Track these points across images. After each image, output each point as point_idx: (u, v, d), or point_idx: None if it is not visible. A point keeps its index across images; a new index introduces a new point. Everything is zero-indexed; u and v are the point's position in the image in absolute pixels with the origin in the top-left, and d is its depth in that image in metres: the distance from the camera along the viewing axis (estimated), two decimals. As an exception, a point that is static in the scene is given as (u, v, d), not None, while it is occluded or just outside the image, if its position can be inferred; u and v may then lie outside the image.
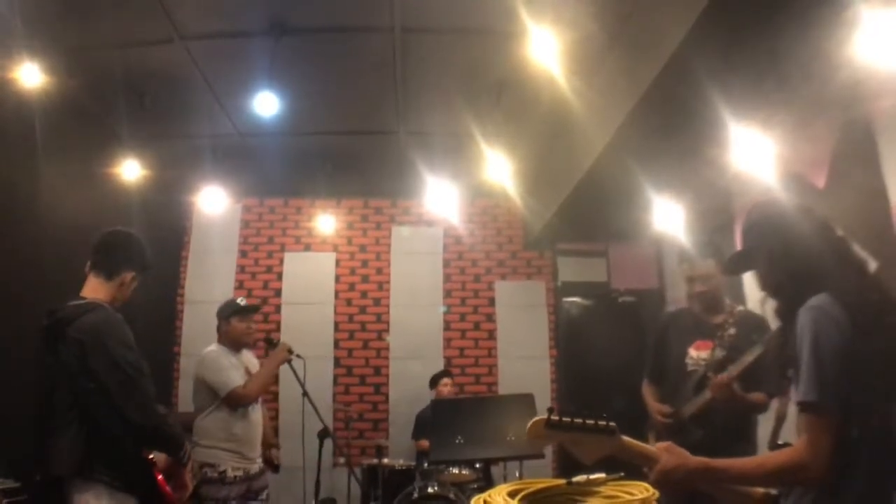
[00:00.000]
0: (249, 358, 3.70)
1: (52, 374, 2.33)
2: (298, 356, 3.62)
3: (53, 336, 2.32)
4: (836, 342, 1.44)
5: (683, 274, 3.13)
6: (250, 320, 3.66)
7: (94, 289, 2.45)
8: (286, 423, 5.77)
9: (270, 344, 3.73)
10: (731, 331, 2.84)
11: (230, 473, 3.36)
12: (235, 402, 3.40)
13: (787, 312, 1.63)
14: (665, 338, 3.19)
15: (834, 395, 1.41)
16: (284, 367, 3.62)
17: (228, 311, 3.61)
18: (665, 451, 1.49)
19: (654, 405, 3.07)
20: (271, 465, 3.79)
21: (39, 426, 2.32)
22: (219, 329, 3.65)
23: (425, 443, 5.39)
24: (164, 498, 2.38)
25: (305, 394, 3.59)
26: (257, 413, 3.59)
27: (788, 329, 1.58)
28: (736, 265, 1.87)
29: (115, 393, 2.23)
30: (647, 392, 3.20)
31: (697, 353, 2.98)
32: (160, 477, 2.39)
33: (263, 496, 3.56)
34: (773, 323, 1.78)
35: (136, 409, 2.25)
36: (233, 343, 3.58)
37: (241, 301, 3.69)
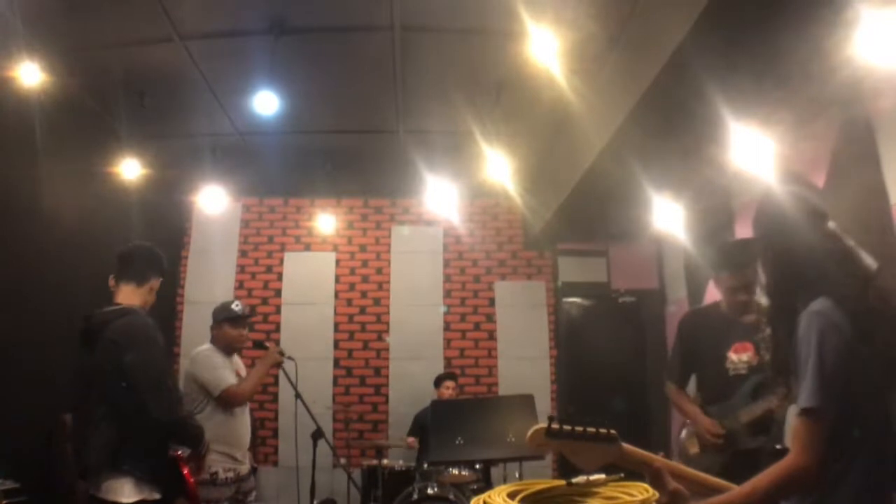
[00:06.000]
0: (239, 363, 3.69)
1: (86, 373, 2.52)
2: (290, 358, 3.65)
3: (89, 338, 2.52)
4: (839, 348, 1.44)
5: (725, 283, 2.93)
6: (242, 328, 3.65)
7: (127, 295, 2.69)
8: (285, 424, 5.78)
9: (259, 347, 3.73)
10: (768, 331, 2.81)
11: (221, 475, 3.35)
12: (229, 401, 3.40)
13: (780, 314, 1.62)
14: (695, 340, 3.06)
15: (833, 401, 1.42)
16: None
17: (221, 317, 3.60)
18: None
19: (703, 420, 2.92)
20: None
21: (76, 422, 2.58)
22: (212, 330, 3.65)
23: (412, 440, 5.42)
24: (188, 492, 2.59)
25: (298, 395, 3.59)
26: (246, 415, 3.59)
27: (780, 332, 1.57)
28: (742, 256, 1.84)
29: (143, 391, 2.40)
30: (682, 398, 3.07)
31: (738, 357, 2.90)
32: (186, 471, 2.60)
33: (252, 497, 3.57)
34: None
35: (161, 406, 2.43)
36: (224, 347, 3.58)
37: (237, 307, 3.63)
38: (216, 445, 3.37)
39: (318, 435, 3.76)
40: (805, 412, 1.44)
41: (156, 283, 2.79)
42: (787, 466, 1.43)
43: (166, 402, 2.46)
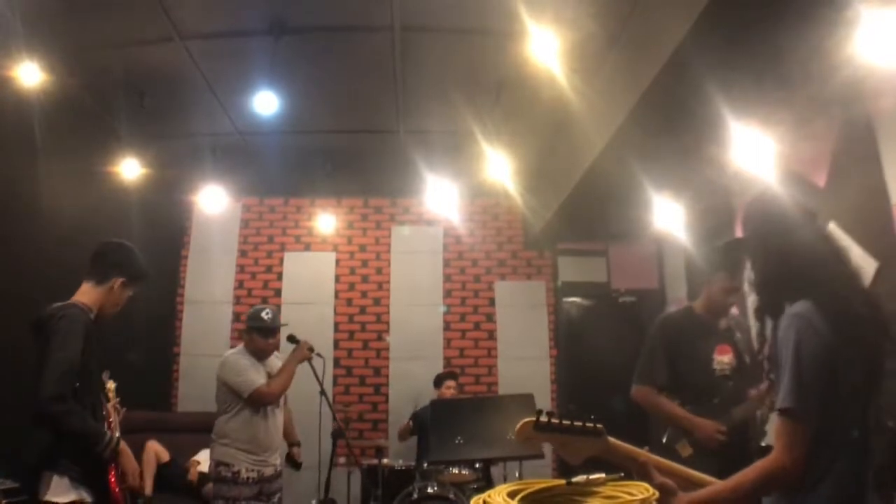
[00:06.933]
0: (276, 362, 3.65)
1: (35, 369, 2.45)
2: (319, 355, 3.64)
3: (36, 333, 2.48)
4: (817, 351, 1.46)
5: (720, 284, 2.96)
6: (272, 338, 3.61)
7: (83, 292, 2.59)
8: (295, 421, 5.78)
9: (292, 341, 3.69)
10: (738, 335, 2.87)
11: (244, 474, 3.38)
12: (259, 402, 3.42)
13: (766, 312, 1.64)
14: (678, 343, 3.05)
15: (811, 403, 1.44)
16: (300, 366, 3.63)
17: (251, 325, 3.59)
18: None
19: (704, 422, 2.90)
20: (294, 462, 3.78)
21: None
22: (244, 334, 3.66)
23: (403, 427, 5.47)
24: (111, 496, 2.47)
25: (323, 392, 3.61)
26: (278, 417, 3.59)
27: (766, 329, 1.61)
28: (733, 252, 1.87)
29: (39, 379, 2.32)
30: (665, 401, 3.03)
31: (721, 358, 2.97)
32: (112, 478, 2.49)
33: (276, 499, 3.56)
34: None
35: (37, 396, 2.31)
36: (254, 352, 3.57)
37: (267, 315, 3.57)
38: (242, 444, 3.40)
39: (338, 434, 3.73)
40: (783, 412, 1.47)
41: (117, 282, 2.61)
42: (768, 465, 1.46)
43: (46, 394, 2.30)
